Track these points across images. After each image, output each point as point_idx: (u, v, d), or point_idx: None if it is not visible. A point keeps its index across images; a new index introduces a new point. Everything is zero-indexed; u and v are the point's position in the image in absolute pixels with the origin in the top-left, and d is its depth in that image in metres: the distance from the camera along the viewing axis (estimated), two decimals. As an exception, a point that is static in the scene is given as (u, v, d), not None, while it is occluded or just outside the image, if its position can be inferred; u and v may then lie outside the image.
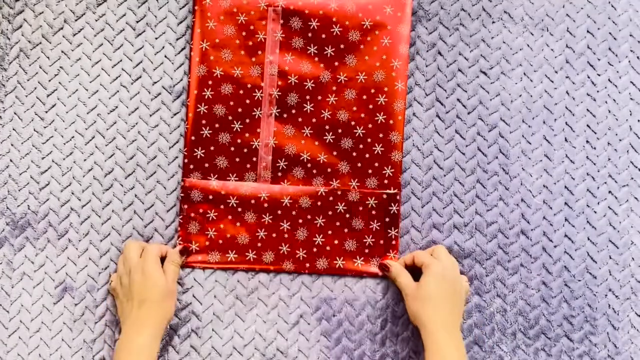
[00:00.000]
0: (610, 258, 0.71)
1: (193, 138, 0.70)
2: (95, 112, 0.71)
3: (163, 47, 0.72)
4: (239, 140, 0.70)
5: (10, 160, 0.71)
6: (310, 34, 0.70)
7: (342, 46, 0.70)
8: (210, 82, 0.70)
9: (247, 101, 0.70)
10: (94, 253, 0.70)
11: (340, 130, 0.70)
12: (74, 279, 0.70)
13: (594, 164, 0.71)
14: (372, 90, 0.70)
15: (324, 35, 0.70)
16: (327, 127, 0.70)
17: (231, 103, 0.70)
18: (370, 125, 0.70)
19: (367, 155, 0.70)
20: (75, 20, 0.72)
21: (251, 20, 0.70)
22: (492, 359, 0.69)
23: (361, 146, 0.70)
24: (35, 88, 0.71)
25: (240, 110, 0.70)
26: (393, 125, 0.70)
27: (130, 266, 0.65)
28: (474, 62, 0.72)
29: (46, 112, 0.71)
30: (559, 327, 0.70)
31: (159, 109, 0.71)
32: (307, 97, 0.70)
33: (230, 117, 0.70)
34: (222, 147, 0.70)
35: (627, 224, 0.71)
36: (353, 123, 0.70)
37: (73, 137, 0.71)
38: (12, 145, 0.71)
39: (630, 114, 0.72)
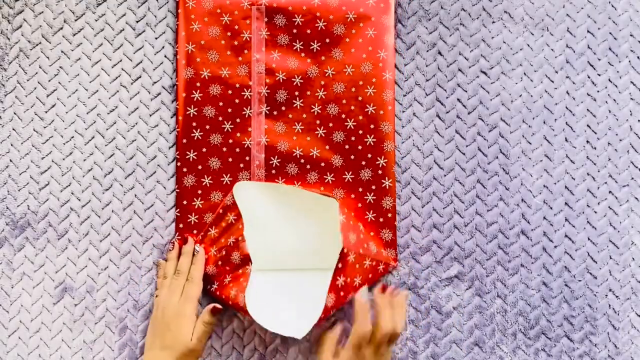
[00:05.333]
0: (611, 258, 0.71)
1: (184, 141, 0.70)
2: (95, 112, 0.71)
3: (163, 47, 0.72)
4: (230, 141, 0.70)
5: (10, 160, 0.71)
6: (295, 30, 0.71)
7: (327, 40, 0.70)
8: (198, 84, 0.70)
9: (237, 101, 0.70)
10: (93, 253, 0.70)
11: (331, 124, 0.70)
12: (73, 279, 0.70)
13: (594, 164, 0.71)
14: (360, 82, 0.70)
15: (308, 31, 0.71)
16: (317, 121, 0.70)
17: (220, 104, 0.70)
18: (360, 117, 0.70)
19: (359, 147, 0.70)
20: (75, 20, 0.72)
21: (235, 20, 0.70)
22: (492, 359, 0.69)
23: (353, 138, 0.70)
24: (35, 88, 0.71)
25: (230, 110, 0.70)
26: (383, 116, 0.70)
27: (169, 306, 0.65)
28: (474, 62, 0.72)
29: (46, 112, 0.71)
30: (560, 328, 0.70)
31: (159, 109, 0.71)
32: (296, 93, 0.70)
33: (220, 118, 0.70)
34: (214, 148, 0.70)
35: (628, 224, 0.71)
36: (343, 116, 0.70)
37: (73, 137, 0.71)
38: (12, 145, 0.71)
39: (631, 114, 0.72)
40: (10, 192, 0.70)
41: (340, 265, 0.63)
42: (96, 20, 0.72)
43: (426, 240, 0.70)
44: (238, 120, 0.70)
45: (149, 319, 0.69)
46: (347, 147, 0.70)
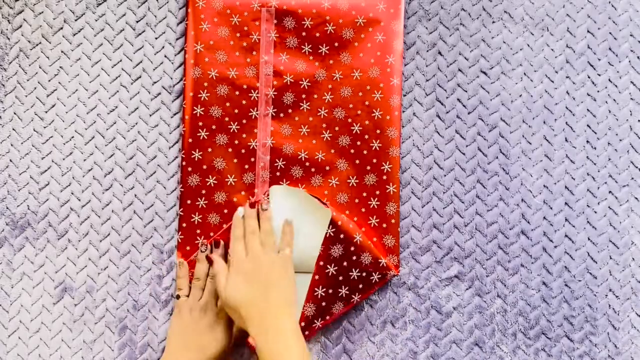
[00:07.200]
0: (611, 258, 0.71)
1: (190, 140, 0.70)
2: (95, 112, 0.71)
3: (163, 47, 0.72)
4: (236, 141, 0.70)
5: (10, 160, 0.71)
6: (304, 33, 0.71)
7: (336, 44, 0.71)
8: (205, 84, 0.70)
9: (243, 102, 0.70)
10: (93, 253, 0.70)
11: (337, 128, 0.70)
12: (73, 279, 0.70)
13: (594, 164, 0.71)
14: (368, 87, 0.70)
15: (317, 34, 0.71)
16: (324, 125, 0.70)
17: (227, 104, 0.70)
18: (367, 122, 0.70)
19: (365, 152, 0.70)
20: (75, 20, 0.72)
21: (245, 21, 0.71)
22: (492, 359, 0.69)
23: (359, 143, 0.70)
24: (35, 88, 0.71)
25: (236, 111, 0.70)
26: (390, 121, 0.70)
27: (210, 308, 0.65)
28: (474, 62, 0.72)
29: (46, 112, 0.71)
30: (560, 328, 0.70)
31: (159, 109, 0.71)
32: (303, 96, 0.70)
33: (227, 119, 0.70)
34: (220, 148, 0.70)
35: (628, 224, 0.71)
36: (350, 120, 0.70)
37: (73, 137, 0.71)
38: (12, 145, 0.71)
39: (631, 114, 0.72)
40: (10, 192, 0.70)
41: (317, 277, 0.65)
42: (96, 20, 0.72)
43: (426, 240, 0.70)
44: (244, 121, 0.70)
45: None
46: (352, 151, 0.70)
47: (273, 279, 0.62)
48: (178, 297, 0.67)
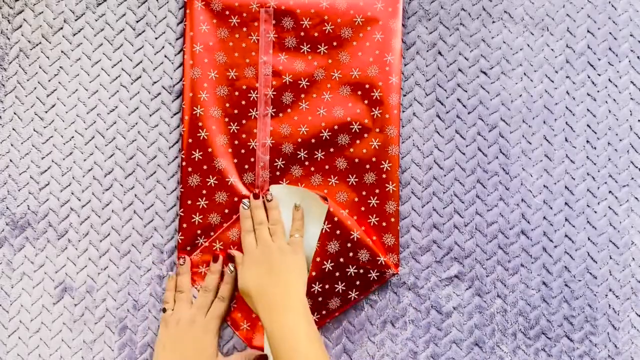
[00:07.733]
0: (611, 258, 0.71)
1: (190, 140, 0.70)
2: (95, 112, 0.71)
3: (163, 47, 0.72)
4: (236, 142, 0.70)
5: (10, 160, 0.71)
6: (302, 33, 0.71)
7: (334, 43, 0.71)
8: (205, 85, 0.70)
9: (243, 102, 0.70)
10: (93, 253, 0.70)
11: (336, 127, 0.70)
12: (73, 279, 0.70)
13: (594, 164, 0.71)
14: (367, 86, 0.70)
15: (316, 34, 0.71)
16: (323, 124, 0.70)
17: (227, 105, 0.70)
18: (366, 121, 0.70)
19: (364, 151, 0.70)
20: (75, 20, 0.72)
21: (244, 22, 0.71)
22: (492, 359, 0.69)
23: (358, 142, 0.70)
24: (35, 88, 0.71)
25: (236, 111, 0.70)
26: (389, 120, 0.70)
27: (197, 322, 0.65)
28: (474, 62, 0.72)
29: (46, 112, 0.71)
30: (560, 328, 0.70)
31: (159, 109, 0.71)
32: (302, 96, 0.71)
33: (226, 119, 0.70)
34: (220, 148, 0.70)
35: (628, 224, 0.71)
36: (349, 119, 0.70)
37: (73, 137, 0.71)
38: (12, 145, 0.71)
39: (631, 114, 0.72)
40: (10, 192, 0.70)
41: (314, 274, 0.66)
42: (96, 20, 0.72)
43: (426, 240, 0.70)
44: (244, 121, 0.70)
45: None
46: (351, 150, 0.70)
47: (283, 266, 0.64)
48: (164, 310, 0.67)
